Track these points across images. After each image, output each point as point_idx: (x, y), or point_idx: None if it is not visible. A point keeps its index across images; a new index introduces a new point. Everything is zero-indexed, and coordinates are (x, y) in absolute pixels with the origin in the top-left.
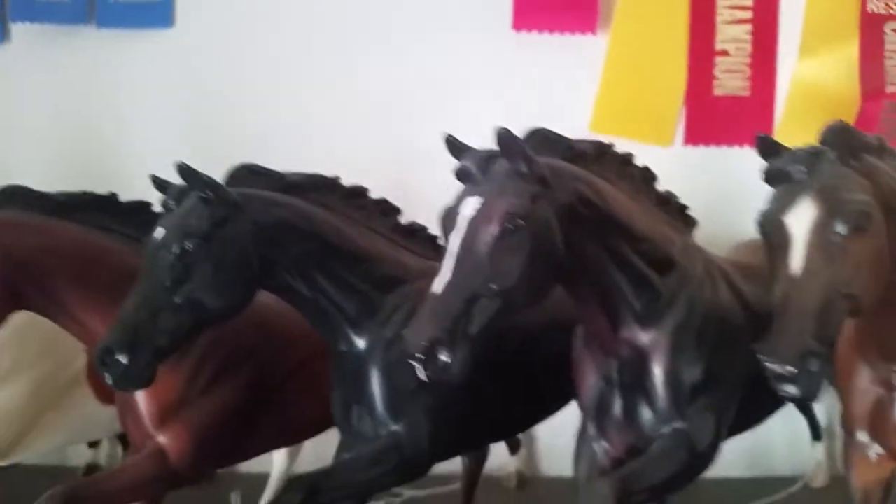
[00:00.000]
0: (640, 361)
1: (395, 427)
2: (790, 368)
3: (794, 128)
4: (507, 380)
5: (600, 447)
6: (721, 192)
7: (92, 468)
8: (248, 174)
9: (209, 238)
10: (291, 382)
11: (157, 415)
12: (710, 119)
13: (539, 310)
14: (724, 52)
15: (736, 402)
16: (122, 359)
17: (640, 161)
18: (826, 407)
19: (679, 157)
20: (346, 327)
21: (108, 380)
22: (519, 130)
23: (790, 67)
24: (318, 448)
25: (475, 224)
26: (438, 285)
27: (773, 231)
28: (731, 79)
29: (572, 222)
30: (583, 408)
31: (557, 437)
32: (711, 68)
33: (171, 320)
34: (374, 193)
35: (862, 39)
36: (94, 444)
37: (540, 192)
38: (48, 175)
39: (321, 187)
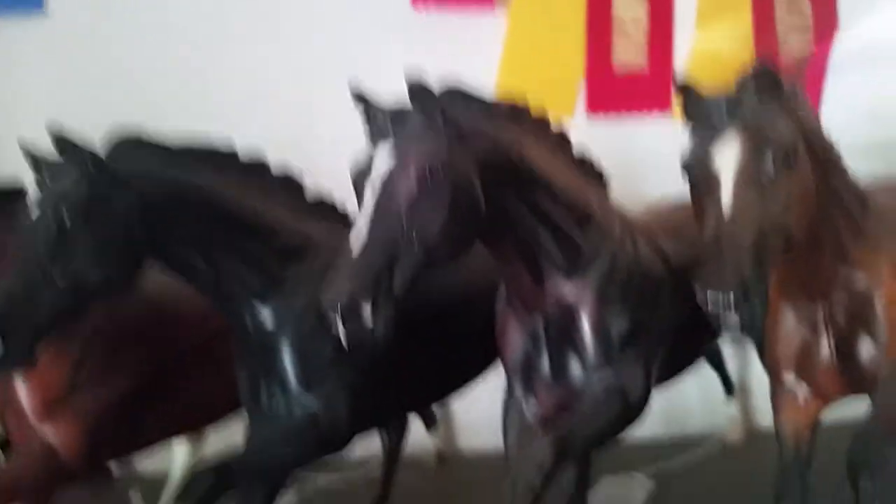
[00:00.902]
0: (566, 315)
1: (310, 403)
2: (732, 296)
3: None
4: (424, 345)
5: (528, 406)
6: (623, 161)
7: None
8: (133, 146)
9: (88, 212)
10: (189, 364)
11: (41, 406)
12: (609, 90)
13: (456, 271)
14: (622, 26)
15: (661, 353)
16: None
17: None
18: (739, 361)
19: (581, 127)
20: (251, 301)
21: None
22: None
23: (687, 39)
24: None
25: (391, 177)
26: (356, 242)
27: (699, 172)
28: (628, 52)
29: (491, 175)
30: (508, 368)
31: (473, 411)
32: (609, 42)
33: (51, 296)
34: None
35: (755, 8)
36: None
37: (456, 143)
38: None
39: (214, 160)
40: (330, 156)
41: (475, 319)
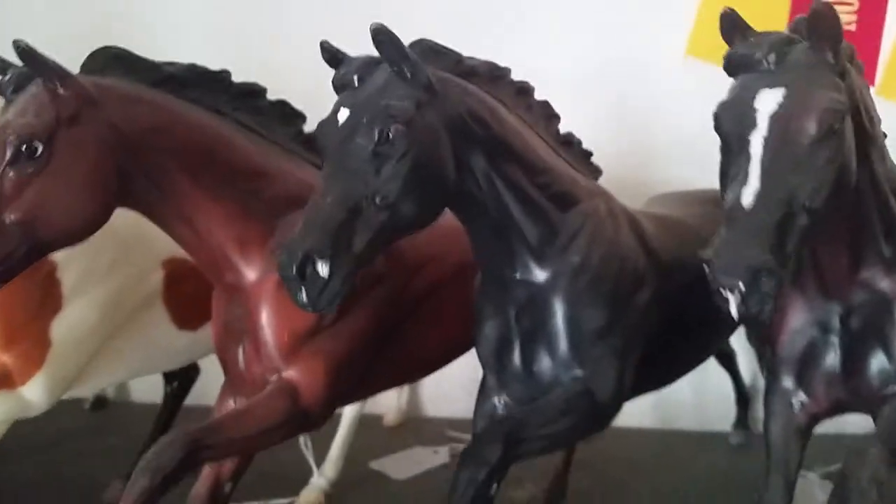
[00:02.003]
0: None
1: (579, 371)
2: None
3: None
4: (685, 318)
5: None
6: None
7: (100, 401)
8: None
9: (415, 133)
10: (418, 311)
11: (288, 345)
12: None
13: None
14: None
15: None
16: (323, 270)
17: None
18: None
19: None
20: (524, 251)
21: (303, 297)
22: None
23: None
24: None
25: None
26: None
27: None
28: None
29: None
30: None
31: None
32: None
33: (373, 222)
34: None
35: None
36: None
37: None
38: None
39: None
40: None
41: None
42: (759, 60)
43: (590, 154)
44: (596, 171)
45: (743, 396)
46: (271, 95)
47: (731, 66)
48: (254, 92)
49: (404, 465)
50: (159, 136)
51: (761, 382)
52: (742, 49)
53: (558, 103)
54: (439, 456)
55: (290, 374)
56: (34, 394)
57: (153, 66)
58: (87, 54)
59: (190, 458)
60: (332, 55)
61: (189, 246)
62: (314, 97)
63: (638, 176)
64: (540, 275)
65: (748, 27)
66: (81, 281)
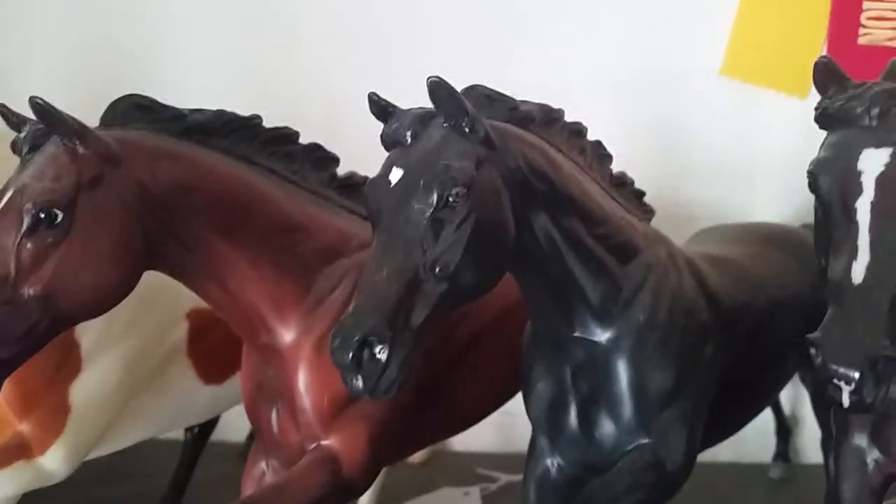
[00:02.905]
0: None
1: (646, 439)
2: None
3: None
4: (747, 367)
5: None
6: None
7: None
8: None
9: (479, 196)
10: (460, 363)
11: (328, 412)
12: (852, 71)
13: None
14: None
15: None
16: (381, 354)
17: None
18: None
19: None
20: (584, 308)
21: (359, 385)
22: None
23: None
24: None
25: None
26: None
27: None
28: (879, 27)
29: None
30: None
31: None
32: (858, 14)
33: (432, 295)
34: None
35: None
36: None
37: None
38: None
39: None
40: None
41: (788, 326)
42: (860, 115)
43: (642, 194)
44: (648, 213)
45: (784, 427)
46: (283, 123)
47: (827, 119)
48: (285, 137)
49: None
50: (188, 193)
51: (801, 412)
52: (839, 101)
53: (589, 117)
54: (470, 497)
55: (331, 442)
56: (53, 463)
57: (178, 115)
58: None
59: None
60: (380, 108)
61: (221, 307)
62: (326, 127)
63: (668, 194)
64: (601, 334)
65: (845, 76)
66: (100, 341)
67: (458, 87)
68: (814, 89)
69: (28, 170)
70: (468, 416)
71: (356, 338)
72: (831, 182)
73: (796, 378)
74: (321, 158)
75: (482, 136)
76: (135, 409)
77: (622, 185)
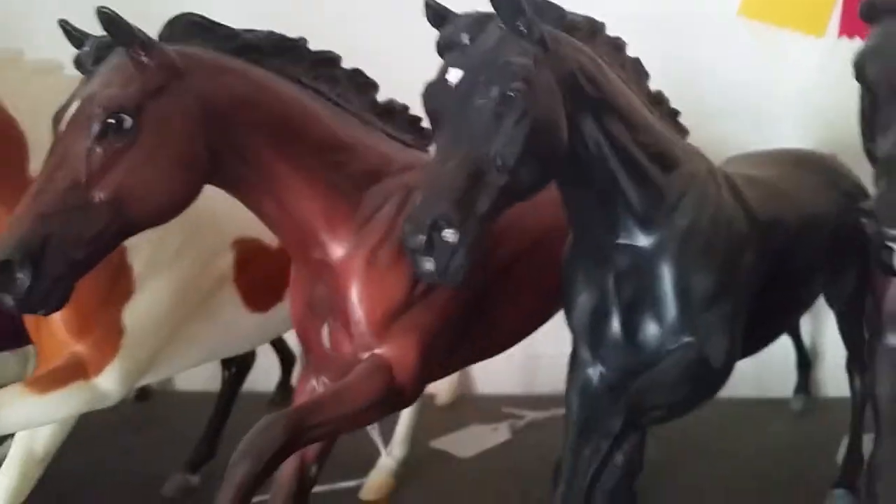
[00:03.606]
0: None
1: (691, 338)
2: None
3: None
4: (782, 278)
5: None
6: None
7: (143, 393)
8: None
9: (535, 92)
10: (501, 281)
11: (381, 322)
12: None
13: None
14: None
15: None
16: (452, 237)
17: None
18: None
19: (831, 50)
20: (626, 214)
21: (430, 267)
22: None
23: None
24: None
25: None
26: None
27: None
28: None
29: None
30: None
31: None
32: None
33: (494, 185)
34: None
35: None
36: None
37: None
38: None
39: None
40: None
41: (817, 243)
42: None
43: (677, 113)
44: (683, 131)
45: (804, 359)
46: None
47: (873, 10)
48: (331, 60)
49: (466, 443)
50: (249, 109)
51: (822, 345)
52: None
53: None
54: (500, 433)
55: (384, 351)
56: (109, 384)
57: (232, 34)
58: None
59: (293, 439)
60: (436, 13)
61: (275, 223)
62: None
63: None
64: (645, 240)
65: None
66: (152, 265)
67: None
68: (831, 28)
69: (94, 80)
70: (506, 338)
71: (427, 222)
72: (880, 67)
73: (816, 310)
74: (363, 84)
75: (538, 37)
76: (184, 335)
77: (659, 102)
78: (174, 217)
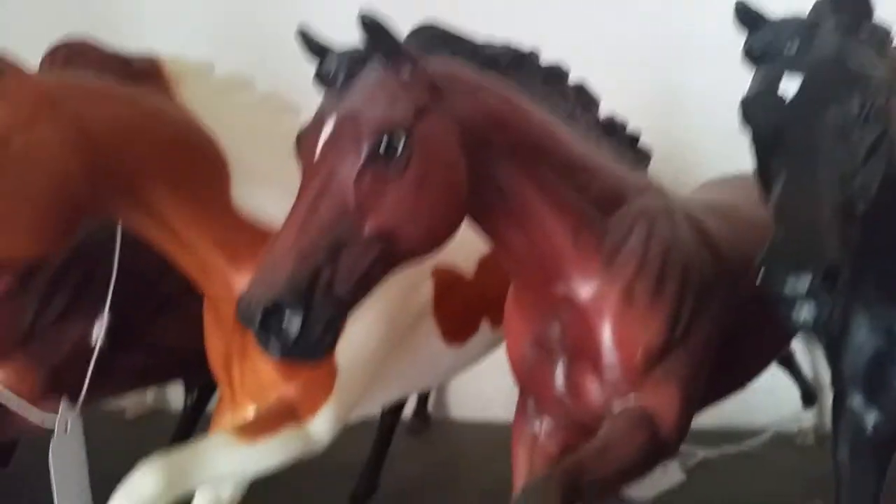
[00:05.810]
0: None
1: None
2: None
3: None
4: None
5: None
6: None
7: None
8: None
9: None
10: (742, 315)
11: (641, 367)
12: None
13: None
14: None
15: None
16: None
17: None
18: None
19: None
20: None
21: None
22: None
23: None
24: None
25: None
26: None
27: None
28: None
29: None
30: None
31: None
32: None
33: (843, 227)
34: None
35: None
36: None
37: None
38: None
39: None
40: None
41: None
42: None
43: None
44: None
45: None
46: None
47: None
48: (561, 75)
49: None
50: (502, 129)
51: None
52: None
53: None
54: (670, 469)
55: (646, 400)
56: (322, 427)
57: (475, 49)
58: None
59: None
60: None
61: (517, 256)
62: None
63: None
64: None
65: None
66: None
67: None
68: None
69: (351, 97)
70: (742, 378)
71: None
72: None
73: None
74: (587, 101)
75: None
76: (389, 369)
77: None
78: (434, 252)
